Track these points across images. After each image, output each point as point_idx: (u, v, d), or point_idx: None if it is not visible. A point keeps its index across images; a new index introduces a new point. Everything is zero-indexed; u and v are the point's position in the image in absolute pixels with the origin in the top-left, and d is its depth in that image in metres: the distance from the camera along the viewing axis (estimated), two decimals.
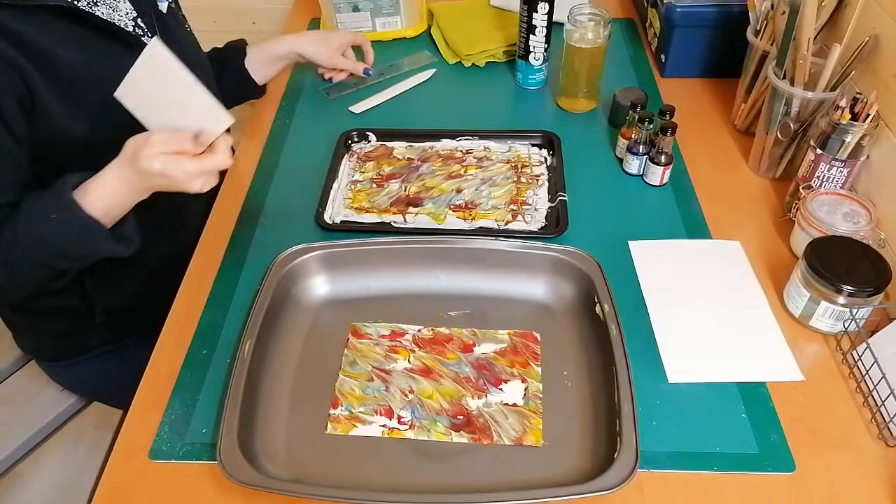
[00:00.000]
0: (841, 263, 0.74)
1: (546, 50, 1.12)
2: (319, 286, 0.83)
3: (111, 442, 0.70)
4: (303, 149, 1.06)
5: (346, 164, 1.01)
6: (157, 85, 0.68)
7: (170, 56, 0.66)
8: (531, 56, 1.12)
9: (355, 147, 1.05)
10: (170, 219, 0.94)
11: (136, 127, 0.71)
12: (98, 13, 0.79)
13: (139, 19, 0.85)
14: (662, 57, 1.17)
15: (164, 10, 0.89)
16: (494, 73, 1.21)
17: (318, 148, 1.04)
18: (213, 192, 0.93)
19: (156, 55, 0.66)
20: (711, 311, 0.80)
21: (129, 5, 0.84)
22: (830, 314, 0.75)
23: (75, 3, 0.76)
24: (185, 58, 0.88)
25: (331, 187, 0.96)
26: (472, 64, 1.22)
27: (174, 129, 0.69)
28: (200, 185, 0.71)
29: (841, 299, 0.73)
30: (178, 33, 0.93)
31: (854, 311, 0.73)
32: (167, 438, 0.69)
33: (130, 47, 0.80)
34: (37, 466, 1.41)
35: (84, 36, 0.77)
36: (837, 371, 0.74)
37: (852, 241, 0.77)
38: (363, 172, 1.00)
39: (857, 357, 0.73)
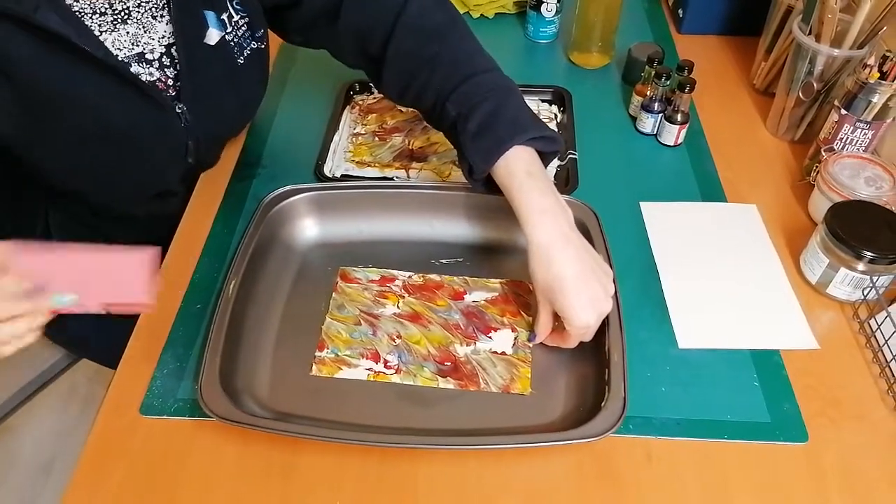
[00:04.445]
0: (862, 229, 0.71)
1: (559, 0, 1.07)
2: (308, 228, 0.81)
3: (105, 396, 0.68)
4: (302, 99, 1.01)
5: (347, 116, 0.98)
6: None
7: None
8: (543, 7, 1.07)
9: (357, 98, 1.01)
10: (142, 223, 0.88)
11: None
12: (105, 39, 0.68)
13: (174, 48, 0.73)
14: (680, 12, 1.12)
15: (213, 44, 0.75)
16: (504, 24, 1.16)
17: (318, 98, 1.00)
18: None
19: None
20: (725, 276, 0.77)
21: (168, 28, 0.72)
22: (849, 281, 0.72)
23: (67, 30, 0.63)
24: (220, 97, 0.80)
25: (331, 139, 0.93)
26: (481, 15, 1.17)
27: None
28: None
29: (861, 266, 0.70)
30: (219, 69, 0.78)
31: (874, 278, 0.70)
32: (158, 394, 0.67)
33: (123, 78, 0.70)
34: (30, 419, 1.40)
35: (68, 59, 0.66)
36: (854, 340, 0.72)
37: (875, 206, 0.74)
38: (365, 125, 0.96)
39: (875, 326, 0.70)
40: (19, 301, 0.55)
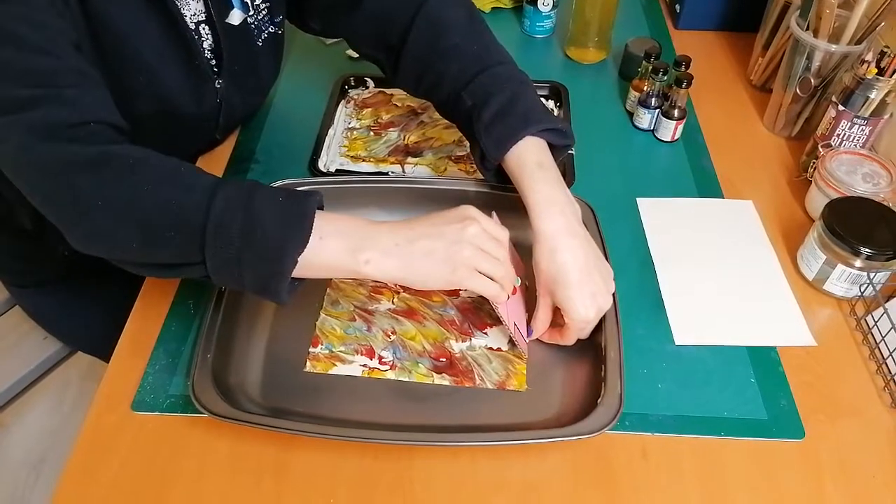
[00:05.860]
0: (859, 225, 0.71)
1: None
2: None
3: (96, 392, 0.67)
4: (297, 93, 1.01)
5: (342, 111, 0.97)
6: None
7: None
8: (540, 2, 1.07)
9: (352, 93, 1.00)
10: None
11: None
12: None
13: (203, 26, 0.75)
14: (677, 7, 1.12)
15: (236, 24, 0.78)
16: (500, 19, 1.16)
17: (313, 92, 0.99)
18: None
19: None
20: (721, 273, 0.76)
21: (200, 6, 0.74)
22: (846, 278, 0.72)
23: None
24: (243, 76, 0.82)
25: (326, 134, 0.92)
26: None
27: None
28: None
29: (858, 262, 0.70)
30: (241, 50, 0.80)
31: (871, 275, 0.70)
32: (150, 390, 0.66)
33: (184, 44, 0.73)
34: (20, 415, 1.39)
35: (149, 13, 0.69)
36: (850, 337, 0.71)
37: (872, 202, 0.74)
38: (360, 119, 0.95)
39: (872, 323, 0.70)
40: (503, 261, 0.62)
